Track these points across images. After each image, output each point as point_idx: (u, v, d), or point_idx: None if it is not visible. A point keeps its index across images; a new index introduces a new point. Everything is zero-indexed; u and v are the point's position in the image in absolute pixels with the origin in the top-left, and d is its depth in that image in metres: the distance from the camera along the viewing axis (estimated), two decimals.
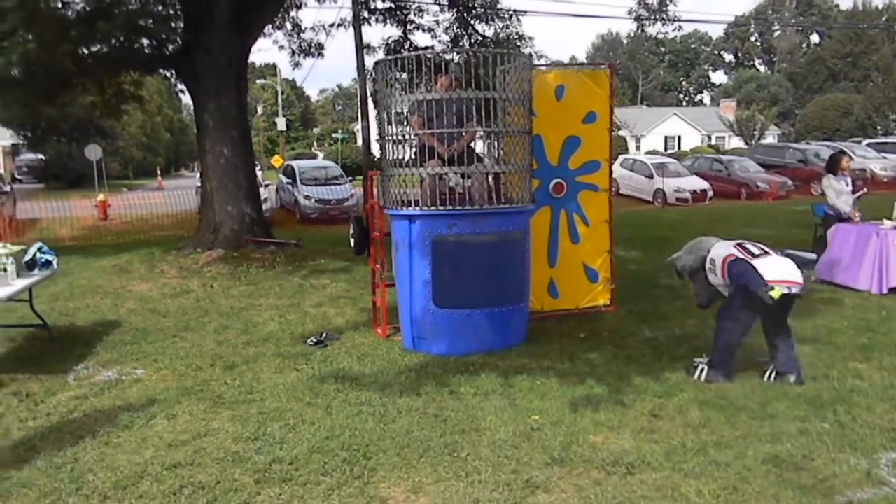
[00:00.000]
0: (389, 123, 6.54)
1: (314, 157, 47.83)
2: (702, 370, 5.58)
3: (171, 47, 11.78)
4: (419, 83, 6.34)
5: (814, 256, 10.07)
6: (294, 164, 22.63)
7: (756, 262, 5.38)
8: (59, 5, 9.85)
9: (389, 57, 6.60)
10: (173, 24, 11.62)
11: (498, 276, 6.33)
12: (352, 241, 7.46)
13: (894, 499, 3.64)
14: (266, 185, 19.51)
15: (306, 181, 20.17)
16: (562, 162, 7.47)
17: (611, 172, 7.76)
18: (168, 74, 13.45)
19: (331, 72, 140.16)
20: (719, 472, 3.97)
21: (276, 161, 32.03)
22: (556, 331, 7.05)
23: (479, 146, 6.90)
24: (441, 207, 6.21)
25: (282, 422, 4.80)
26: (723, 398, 5.12)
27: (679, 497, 3.74)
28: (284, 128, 38.54)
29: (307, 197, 19.23)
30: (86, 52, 10.60)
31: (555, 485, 3.90)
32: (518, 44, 16.23)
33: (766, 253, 5.52)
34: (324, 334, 6.96)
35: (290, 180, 20.85)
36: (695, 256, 5.83)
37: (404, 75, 6.47)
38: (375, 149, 23.20)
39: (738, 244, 5.61)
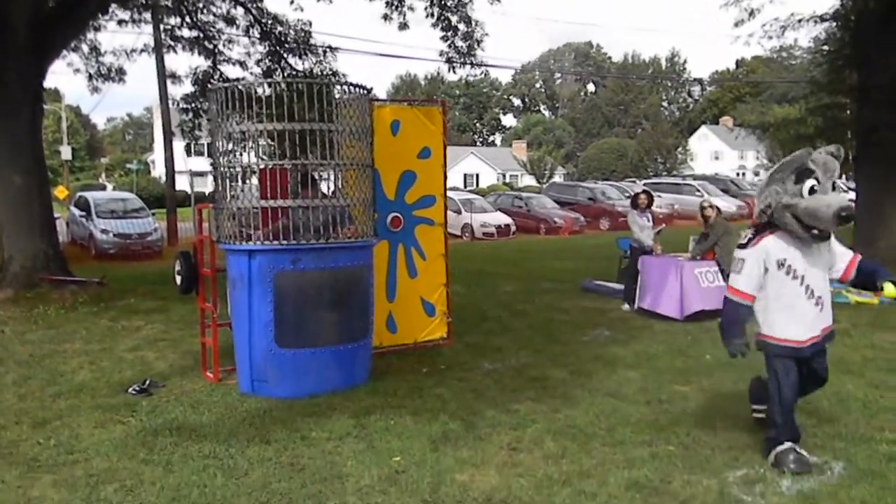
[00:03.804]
0: (224, 154, 6.15)
1: (103, 188, 44.27)
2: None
3: None
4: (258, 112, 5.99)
5: (621, 287, 10.81)
6: (89, 195, 20.76)
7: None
8: None
9: (227, 83, 6.18)
10: None
11: (343, 312, 6.12)
12: (177, 278, 6.90)
13: None
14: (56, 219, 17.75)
15: (103, 214, 18.59)
16: (398, 196, 7.45)
17: (445, 207, 7.84)
18: None
19: (120, 100, 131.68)
20: (589, 503, 4.03)
21: (60, 192, 29.13)
22: (398, 366, 6.94)
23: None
24: (284, 242, 5.91)
25: (116, 483, 4.27)
26: (572, 427, 5.26)
27: None
28: (70, 157, 35.36)
29: (104, 231, 17.74)
30: None
31: None
32: (332, 80, 16.06)
33: None
34: (147, 381, 6.33)
35: (83, 213, 19.08)
36: None
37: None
38: (181, 182, 22.05)
39: None
